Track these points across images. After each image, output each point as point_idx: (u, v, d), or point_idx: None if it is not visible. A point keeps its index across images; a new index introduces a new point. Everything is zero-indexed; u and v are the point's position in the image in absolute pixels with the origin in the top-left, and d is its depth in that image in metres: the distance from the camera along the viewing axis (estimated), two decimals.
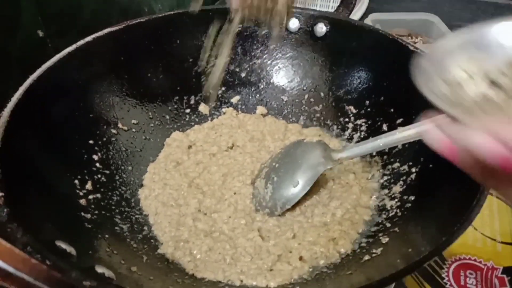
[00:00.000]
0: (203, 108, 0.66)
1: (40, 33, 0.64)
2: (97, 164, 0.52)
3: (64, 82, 0.51)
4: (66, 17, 0.68)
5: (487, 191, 0.38)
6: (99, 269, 0.35)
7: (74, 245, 0.36)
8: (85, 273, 0.30)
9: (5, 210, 0.33)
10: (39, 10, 0.63)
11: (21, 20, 0.60)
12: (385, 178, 0.54)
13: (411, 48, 0.54)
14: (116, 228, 0.48)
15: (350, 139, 0.62)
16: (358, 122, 0.61)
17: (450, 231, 0.35)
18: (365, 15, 1.04)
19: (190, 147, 0.60)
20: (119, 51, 0.58)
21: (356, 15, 1.07)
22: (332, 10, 0.66)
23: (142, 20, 0.59)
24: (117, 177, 0.54)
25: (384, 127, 0.57)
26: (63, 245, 0.35)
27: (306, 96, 0.66)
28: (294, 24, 0.64)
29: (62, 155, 0.48)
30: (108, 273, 0.35)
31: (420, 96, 0.54)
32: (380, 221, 0.49)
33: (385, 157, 0.56)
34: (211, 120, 0.66)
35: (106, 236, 0.45)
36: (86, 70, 0.54)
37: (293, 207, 0.52)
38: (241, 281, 0.45)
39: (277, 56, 0.67)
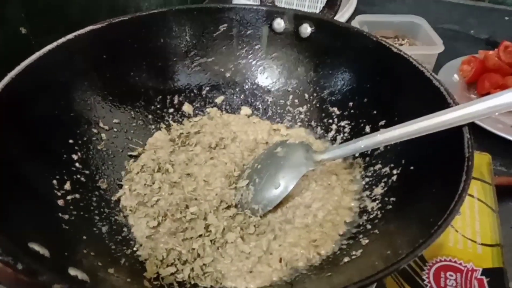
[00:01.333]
0: (186, 108, 0.65)
1: (23, 30, 0.63)
2: (77, 164, 0.51)
3: (44, 80, 0.50)
4: (52, 13, 0.67)
5: (465, 193, 0.38)
6: (72, 272, 0.34)
7: (50, 247, 0.35)
8: (56, 276, 0.29)
9: None
10: (23, 6, 0.62)
11: (3, 14, 0.59)
12: (367, 179, 0.54)
13: (395, 50, 0.55)
14: (95, 229, 0.47)
15: (333, 140, 0.62)
16: (342, 123, 0.61)
17: (429, 233, 0.35)
18: (352, 17, 1.05)
19: (172, 147, 0.60)
20: (101, 49, 0.57)
21: (343, 16, 1.07)
22: (318, 11, 0.66)
23: (125, 18, 0.58)
24: (97, 177, 0.53)
25: (367, 128, 0.57)
26: (36, 247, 0.34)
27: (291, 97, 0.66)
28: (279, 24, 0.64)
29: (40, 154, 0.47)
30: (81, 275, 0.34)
31: (402, 98, 0.55)
32: (361, 223, 0.49)
33: (367, 158, 0.56)
34: (195, 120, 0.65)
35: (84, 237, 0.44)
36: (67, 68, 0.53)
37: (275, 208, 0.52)
38: (220, 283, 0.44)
39: (262, 57, 0.67)
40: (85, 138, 0.54)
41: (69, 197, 0.47)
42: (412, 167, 0.49)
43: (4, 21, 0.59)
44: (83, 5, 0.72)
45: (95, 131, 0.55)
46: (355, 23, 0.95)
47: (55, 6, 0.67)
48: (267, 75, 0.67)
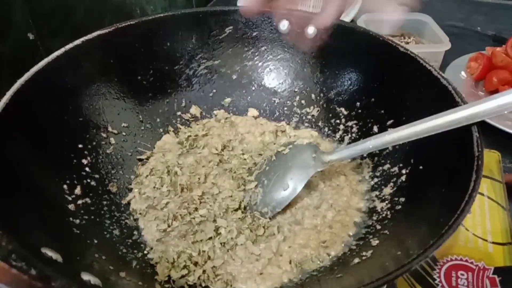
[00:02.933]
0: (194, 110, 0.66)
1: (31, 36, 0.64)
2: (87, 169, 0.52)
3: (52, 86, 0.50)
4: (58, 18, 0.68)
5: (475, 192, 0.38)
6: (85, 276, 0.34)
7: (61, 251, 0.36)
8: (70, 281, 0.29)
9: None
10: (30, 11, 0.62)
11: (12, 22, 0.60)
12: (376, 180, 0.54)
13: (401, 49, 0.54)
14: (106, 233, 0.47)
15: (341, 140, 0.62)
16: (349, 123, 0.61)
17: (439, 233, 0.35)
18: (358, 16, 1.04)
19: (180, 150, 0.60)
20: (108, 54, 0.57)
21: (349, 15, 1.07)
22: None
23: (132, 22, 0.59)
24: (107, 181, 0.53)
25: (375, 128, 0.57)
26: (49, 252, 0.34)
27: (298, 98, 0.66)
28: (284, 25, 0.64)
29: (50, 159, 0.48)
30: (94, 280, 0.35)
31: (410, 97, 0.55)
32: (370, 223, 0.49)
33: (375, 158, 0.56)
34: (203, 123, 0.65)
35: (95, 241, 0.45)
36: (75, 74, 0.53)
37: (284, 210, 0.52)
38: (231, 285, 0.44)
39: (268, 58, 0.67)
40: (94, 143, 0.54)
41: (79, 202, 0.48)
42: (421, 167, 0.49)
43: (13, 27, 0.60)
44: (88, 9, 0.73)
45: (104, 135, 0.56)
46: (360, 22, 0.95)
47: (61, 11, 0.68)
48: (274, 77, 0.67)
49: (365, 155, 0.57)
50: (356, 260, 0.44)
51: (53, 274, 0.30)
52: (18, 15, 0.60)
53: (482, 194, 0.61)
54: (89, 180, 0.51)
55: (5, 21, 0.59)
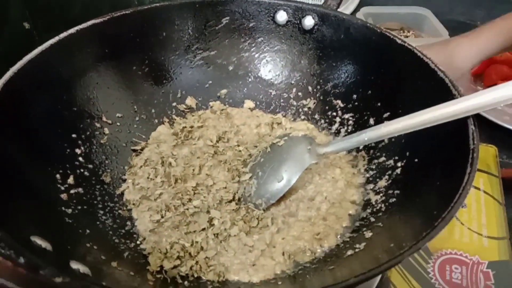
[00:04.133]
0: (189, 101, 0.65)
1: (27, 25, 0.63)
2: (80, 158, 0.51)
3: (46, 75, 0.50)
4: (54, 10, 0.67)
5: (470, 185, 0.37)
6: (74, 265, 0.34)
7: (52, 240, 0.36)
8: (58, 269, 0.29)
9: None
10: (26, 3, 0.62)
11: (7, 13, 0.59)
12: (371, 172, 0.54)
13: (399, 42, 0.54)
14: (98, 223, 0.47)
15: (337, 133, 0.61)
16: (346, 116, 0.61)
17: (432, 225, 0.35)
18: (357, 9, 1.04)
19: (175, 141, 0.59)
20: (103, 44, 0.57)
21: (348, 8, 1.06)
22: (321, 3, 0.65)
23: (127, 12, 0.58)
24: (100, 172, 0.53)
25: (371, 121, 0.57)
26: (38, 240, 0.34)
27: (294, 90, 0.66)
28: (282, 17, 0.64)
29: (43, 149, 0.47)
30: (83, 269, 0.34)
31: (407, 90, 0.54)
32: (364, 216, 0.49)
33: (371, 151, 0.55)
34: (198, 114, 0.65)
35: (87, 231, 0.44)
36: (69, 63, 0.53)
37: (278, 201, 0.51)
38: (223, 276, 0.44)
39: (265, 49, 0.66)
40: (88, 133, 0.54)
41: (72, 191, 0.47)
42: (416, 160, 0.48)
43: (9, 18, 0.59)
44: (85, 1, 0.72)
45: (98, 125, 0.55)
46: (359, 15, 0.95)
47: (58, 3, 0.67)
48: (270, 68, 0.67)
49: (360, 148, 0.57)
50: (349, 252, 0.44)
51: (41, 263, 0.29)
52: (14, 7, 0.60)
53: (479, 189, 0.61)
54: (82, 170, 0.51)
55: (1, 11, 0.58)
